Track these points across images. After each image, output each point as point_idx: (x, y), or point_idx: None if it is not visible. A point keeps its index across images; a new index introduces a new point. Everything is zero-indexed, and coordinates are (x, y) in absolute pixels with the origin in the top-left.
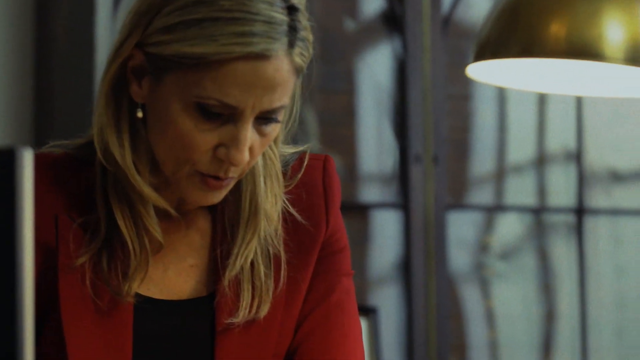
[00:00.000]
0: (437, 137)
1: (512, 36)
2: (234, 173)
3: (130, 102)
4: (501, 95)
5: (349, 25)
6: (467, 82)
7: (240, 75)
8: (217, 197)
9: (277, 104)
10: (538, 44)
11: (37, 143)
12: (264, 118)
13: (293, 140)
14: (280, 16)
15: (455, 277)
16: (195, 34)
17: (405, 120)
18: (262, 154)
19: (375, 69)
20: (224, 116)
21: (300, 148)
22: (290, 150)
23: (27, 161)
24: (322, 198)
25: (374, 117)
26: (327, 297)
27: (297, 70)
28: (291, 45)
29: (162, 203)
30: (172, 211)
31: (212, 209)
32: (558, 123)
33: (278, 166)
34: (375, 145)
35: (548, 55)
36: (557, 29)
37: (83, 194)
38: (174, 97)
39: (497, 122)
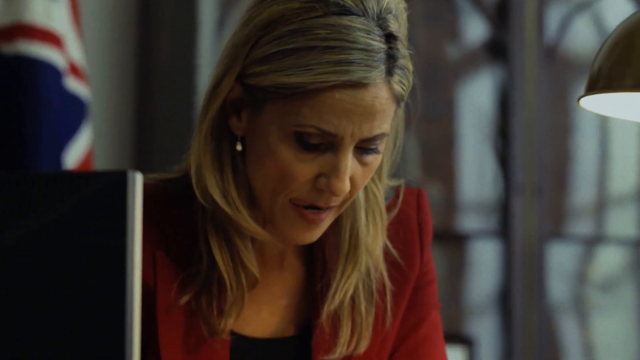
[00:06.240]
0: (540, 167)
1: (625, 69)
2: (335, 202)
3: (230, 137)
4: (604, 125)
5: (452, 52)
6: (570, 112)
7: (338, 103)
8: (314, 235)
9: (376, 132)
10: None
11: (138, 166)
12: (364, 148)
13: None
14: (378, 44)
15: (554, 308)
16: (291, 63)
17: (508, 150)
18: (364, 187)
19: (478, 97)
20: (323, 145)
21: (396, 183)
22: (389, 184)
23: (138, 183)
24: (417, 234)
25: (475, 146)
26: (417, 329)
27: (397, 98)
28: (389, 73)
29: (265, 235)
30: (278, 242)
31: (308, 247)
32: None
33: (381, 200)
34: (475, 173)
35: None
36: None
37: (179, 229)
38: (273, 126)
39: (599, 152)
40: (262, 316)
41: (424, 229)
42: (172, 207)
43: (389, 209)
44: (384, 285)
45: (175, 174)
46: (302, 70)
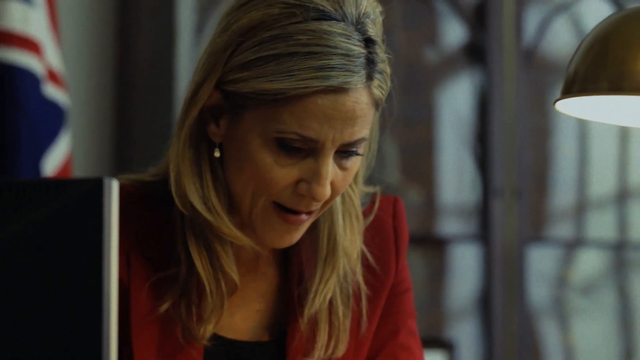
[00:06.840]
0: (519, 171)
1: (600, 72)
2: (315, 207)
3: (209, 143)
4: (583, 128)
5: (431, 56)
6: (549, 115)
7: (320, 108)
8: (293, 237)
9: (357, 137)
10: (628, 80)
11: (117, 172)
12: (345, 151)
13: (372, 171)
14: (358, 49)
15: (534, 312)
16: (272, 69)
17: (487, 153)
18: None
19: (456, 100)
20: (304, 151)
21: (372, 190)
22: (364, 190)
23: (114, 190)
24: (393, 241)
25: (454, 149)
26: (393, 338)
27: (376, 103)
28: (369, 77)
29: (245, 240)
30: (257, 247)
31: (283, 252)
32: None
33: (358, 204)
34: (455, 177)
35: (638, 92)
36: None
37: (156, 233)
38: (253, 133)
39: (579, 155)
40: (235, 320)
41: (400, 236)
42: (149, 210)
43: (365, 215)
44: (359, 290)
45: (152, 177)
46: (283, 76)
